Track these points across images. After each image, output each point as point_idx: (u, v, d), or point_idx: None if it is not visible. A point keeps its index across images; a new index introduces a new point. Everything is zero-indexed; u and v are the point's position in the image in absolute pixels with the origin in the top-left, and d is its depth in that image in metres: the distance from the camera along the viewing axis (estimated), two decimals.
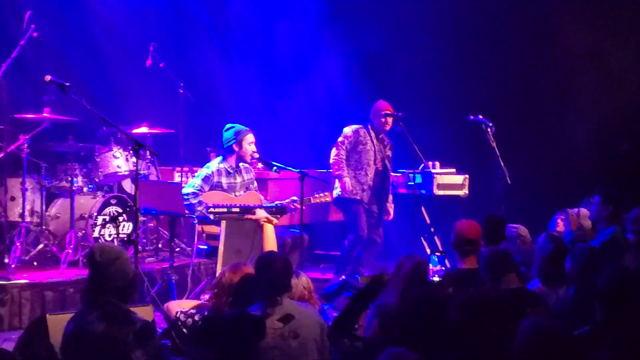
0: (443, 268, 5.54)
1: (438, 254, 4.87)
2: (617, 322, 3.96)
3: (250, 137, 7.36)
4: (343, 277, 7.90)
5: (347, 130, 8.43)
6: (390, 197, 8.67)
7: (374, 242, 8.57)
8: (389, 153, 8.64)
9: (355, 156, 8.39)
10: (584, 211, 6.82)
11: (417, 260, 4.89)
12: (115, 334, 3.79)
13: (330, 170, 8.44)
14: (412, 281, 4.76)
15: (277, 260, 4.54)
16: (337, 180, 8.34)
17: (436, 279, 4.78)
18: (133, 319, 3.88)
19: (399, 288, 4.80)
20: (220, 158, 7.42)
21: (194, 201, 7.01)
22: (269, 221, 5.87)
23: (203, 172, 7.32)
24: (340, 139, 8.42)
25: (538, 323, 3.25)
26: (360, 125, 8.46)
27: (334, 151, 8.40)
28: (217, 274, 4.92)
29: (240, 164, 7.42)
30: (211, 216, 6.75)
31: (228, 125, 7.42)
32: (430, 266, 4.80)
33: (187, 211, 6.99)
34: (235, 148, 7.32)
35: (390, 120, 8.41)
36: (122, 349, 3.76)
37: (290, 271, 4.59)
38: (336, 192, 8.30)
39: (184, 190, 7.12)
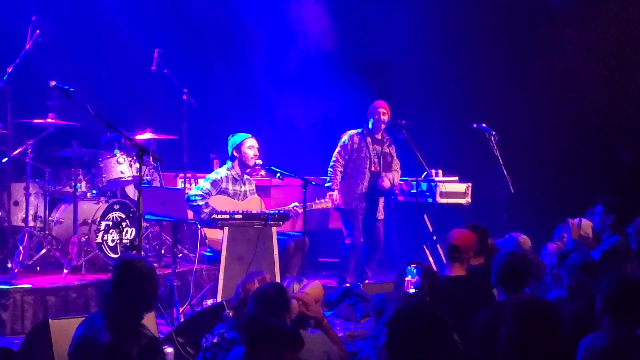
0: (419, 279, 5.40)
1: (414, 265, 4.72)
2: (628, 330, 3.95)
3: (249, 142, 7.50)
4: (347, 284, 7.90)
5: (344, 138, 8.36)
6: (382, 199, 8.50)
7: (373, 246, 8.54)
8: (388, 150, 8.47)
9: (351, 164, 8.32)
10: (586, 221, 6.79)
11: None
12: (119, 346, 3.76)
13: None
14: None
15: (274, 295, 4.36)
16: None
17: (412, 290, 4.65)
18: (140, 333, 3.84)
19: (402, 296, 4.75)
20: (228, 164, 7.56)
21: (200, 203, 7.11)
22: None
23: (212, 176, 7.48)
24: (338, 148, 8.35)
25: None
26: (356, 131, 8.37)
27: (332, 160, 8.33)
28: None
29: (245, 176, 7.57)
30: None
31: (230, 136, 7.60)
32: (408, 277, 4.67)
33: (191, 212, 7.07)
34: (236, 154, 7.53)
35: (385, 115, 8.27)
36: None
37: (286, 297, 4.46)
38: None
39: (192, 192, 7.26)
